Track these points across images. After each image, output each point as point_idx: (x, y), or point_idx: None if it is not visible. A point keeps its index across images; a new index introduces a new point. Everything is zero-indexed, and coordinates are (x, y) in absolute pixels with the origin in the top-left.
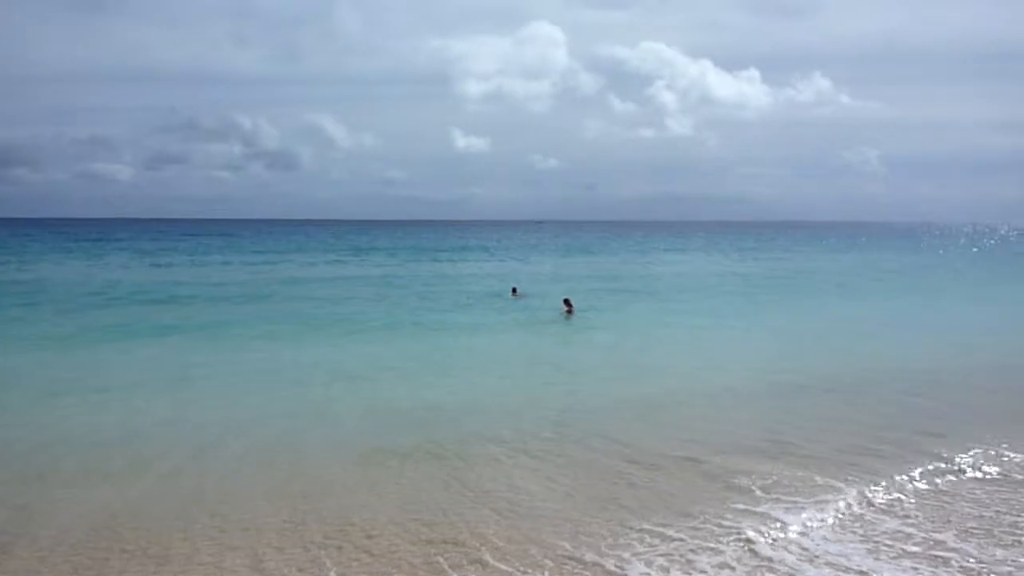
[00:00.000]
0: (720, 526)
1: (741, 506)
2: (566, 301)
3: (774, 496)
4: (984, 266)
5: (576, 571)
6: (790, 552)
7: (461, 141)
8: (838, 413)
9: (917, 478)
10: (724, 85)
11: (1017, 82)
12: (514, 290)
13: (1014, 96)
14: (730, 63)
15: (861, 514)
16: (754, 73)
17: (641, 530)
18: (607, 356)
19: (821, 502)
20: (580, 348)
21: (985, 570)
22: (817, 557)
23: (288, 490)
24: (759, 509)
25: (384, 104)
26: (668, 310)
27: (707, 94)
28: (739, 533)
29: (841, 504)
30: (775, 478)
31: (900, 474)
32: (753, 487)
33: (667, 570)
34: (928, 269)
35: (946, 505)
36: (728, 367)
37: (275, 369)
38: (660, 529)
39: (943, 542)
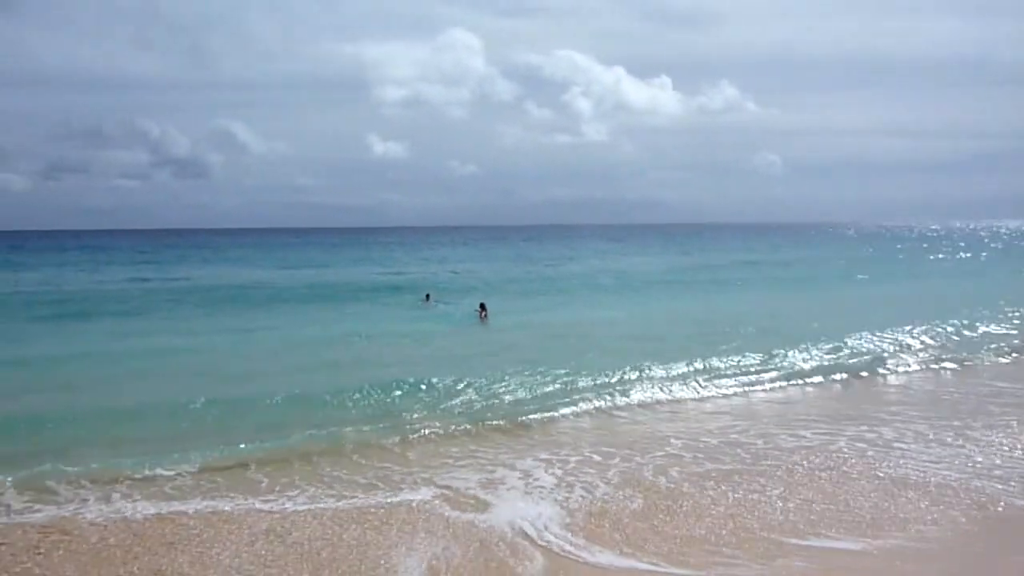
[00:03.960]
0: None
1: None
2: (482, 305)
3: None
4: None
5: None
6: None
7: (379, 147)
8: None
9: None
10: (637, 92)
11: (900, 90)
12: (427, 296)
13: (898, 103)
14: (642, 71)
15: None
16: (666, 80)
17: None
18: (513, 355)
19: None
20: (485, 347)
21: None
22: None
23: None
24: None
25: (298, 110)
26: (587, 309)
27: (621, 101)
28: None
29: None
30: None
31: None
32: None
33: None
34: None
35: None
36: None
37: None
38: None
39: None
